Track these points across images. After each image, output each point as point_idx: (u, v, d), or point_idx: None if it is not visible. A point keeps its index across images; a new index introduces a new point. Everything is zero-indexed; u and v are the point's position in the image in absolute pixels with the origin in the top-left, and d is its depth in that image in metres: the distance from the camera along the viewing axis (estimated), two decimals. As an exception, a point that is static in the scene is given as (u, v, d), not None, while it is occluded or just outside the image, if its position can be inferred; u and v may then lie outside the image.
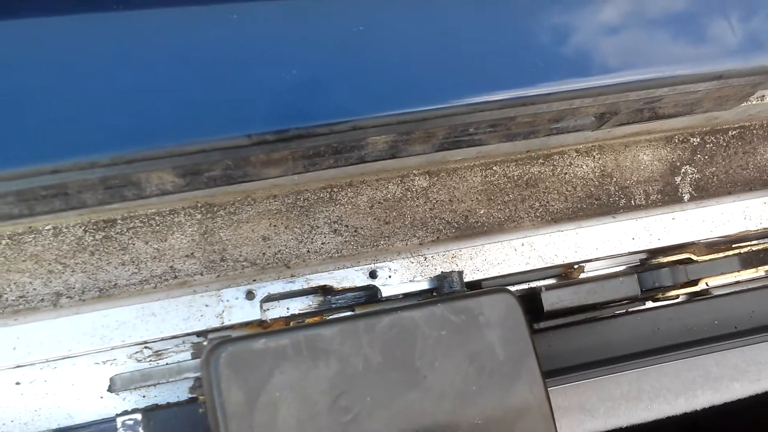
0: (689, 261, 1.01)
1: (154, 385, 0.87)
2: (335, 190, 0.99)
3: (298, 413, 0.64)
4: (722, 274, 1.01)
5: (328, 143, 0.70)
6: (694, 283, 1.00)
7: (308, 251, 0.97)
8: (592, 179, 1.08)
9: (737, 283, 1.05)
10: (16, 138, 0.60)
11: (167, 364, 0.88)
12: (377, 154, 0.80)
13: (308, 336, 0.66)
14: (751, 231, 1.03)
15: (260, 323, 0.87)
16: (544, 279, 1.00)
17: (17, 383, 0.84)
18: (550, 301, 0.91)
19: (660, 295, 1.00)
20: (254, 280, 0.89)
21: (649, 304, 1.01)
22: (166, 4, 0.63)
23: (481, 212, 1.04)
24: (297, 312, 0.92)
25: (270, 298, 0.89)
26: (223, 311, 0.86)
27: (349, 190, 1.00)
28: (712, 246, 1.03)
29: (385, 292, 0.91)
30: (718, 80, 0.77)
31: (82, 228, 0.91)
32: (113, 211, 0.91)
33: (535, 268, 0.96)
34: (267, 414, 0.63)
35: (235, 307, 0.87)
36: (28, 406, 0.84)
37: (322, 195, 0.99)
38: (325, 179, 0.98)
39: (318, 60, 0.66)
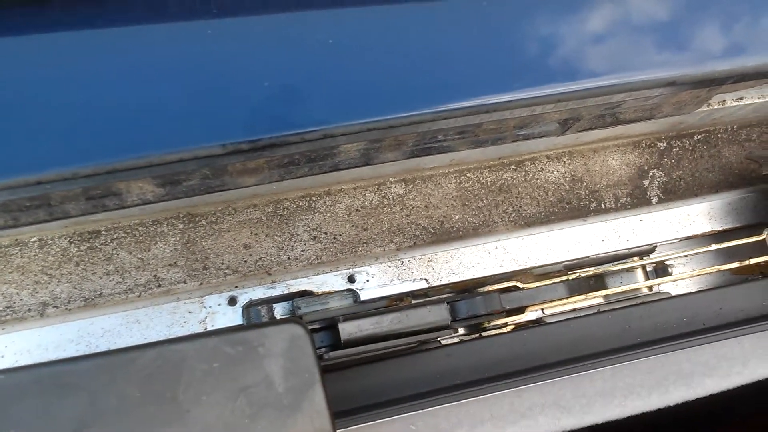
0: (515, 288, 1.01)
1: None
2: (314, 198, 1.02)
3: None
4: (546, 302, 1.01)
5: (301, 152, 0.73)
6: (520, 311, 1.00)
7: (289, 258, 1.00)
8: (563, 184, 1.12)
9: (574, 310, 1.06)
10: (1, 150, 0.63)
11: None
12: (350, 161, 0.83)
13: (55, 371, 0.63)
14: (588, 257, 1.03)
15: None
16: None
17: (5, 392, 0.86)
18: (348, 330, 0.87)
19: (487, 324, 0.99)
20: (236, 287, 0.92)
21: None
22: (144, 19, 0.67)
23: (456, 218, 1.07)
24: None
25: (252, 304, 0.92)
26: (206, 317, 0.89)
27: (327, 198, 1.03)
28: (546, 273, 1.03)
29: (363, 295, 0.94)
30: (671, 86, 0.81)
31: (68, 239, 0.93)
32: (97, 223, 0.94)
33: (507, 271, 0.99)
34: None
35: (218, 313, 0.90)
36: (16, 413, 0.86)
37: (301, 203, 1.02)
38: (303, 188, 1.01)
39: (288, 72, 0.69)
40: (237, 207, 1.00)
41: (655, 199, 1.15)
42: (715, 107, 1.06)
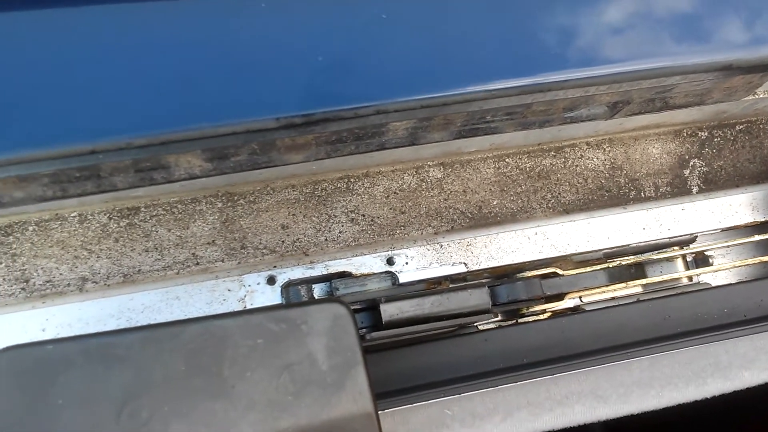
0: (554, 275, 0.99)
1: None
2: (352, 180, 1.02)
3: (82, 421, 0.61)
4: (586, 289, 1.00)
5: (350, 128, 0.72)
6: (560, 297, 0.99)
7: (326, 239, 0.99)
8: (602, 171, 1.10)
9: (613, 299, 1.05)
10: (57, 119, 0.62)
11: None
12: (397, 140, 0.82)
13: (101, 343, 0.63)
14: (628, 245, 1.01)
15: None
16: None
17: (45, 365, 0.86)
18: (389, 312, 0.86)
19: (525, 310, 0.98)
20: (274, 266, 0.91)
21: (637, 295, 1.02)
22: (197, -8, 0.66)
23: (494, 203, 1.06)
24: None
25: (290, 284, 0.91)
26: (245, 296, 0.89)
27: (365, 180, 1.02)
28: (586, 261, 1.02)
29: (403, 278, 0.93)
30: (727, 70, 0.79)
31: (107, 215, 0.93)
32: (137, 199, 0.93)
33: (545, 257, 0.98)
34: (46, 421, 0.60)
35: (256, 292, 0.89)
36: (55, 387, 0.86)
37: (339, 185, 1.01)
38: (342, 169, 1.00)
39: (343, 47, 0.68)
40: (275, 187, 0.99)
41: (695, 189, 1.13)
42: (760, 96, 1.04)
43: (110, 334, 0.65)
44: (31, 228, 0.91)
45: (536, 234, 0.99)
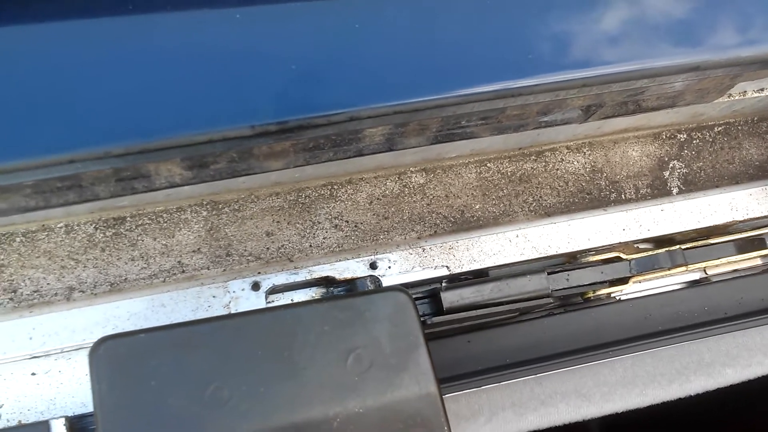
0: (618, 259, 1.01)
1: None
2: (335, 187, 1.03)
3: (173, 401, 0.67)
4: (652, 270, 1.01)
5: (326, 134, 0.74)
6: (624, 281, 1.01)
7: (310, 245, 1.00)
8: (583, 175, 1.12)
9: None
10: (35, 130, 0.64)
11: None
12: (374, 147, 0.84)
13: (187, 332, 0.71)
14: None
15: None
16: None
17: (33, 374, 0.87)
18: (450, 299, 0.91)
19: (591, 294, 1.01)
20: (259, 273, 0.93)
21: (637, 291, 1.04)
22: (170, 4, 0.68)
23: (477, 207, 1.07)
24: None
25: (275, 290, 0.92)
26: (230, 302, 0.90)
27: (348, 187, 1.04)
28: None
29: (385, 282, 0.94)
30: (696, 71, 0.81)
31: (93, 225, 0.95)
32: (123, 209, 0.95)
33: (529, 258, 0.99)
34: (141, 402, 0.67)
35: (241, 298, 0.90)
36: (44, 395, 0.87)
37: (322, 192, 1.03)
38: (325, 177, 1.02)
39: (315, 55, 0.70)
40: (259, 195, 1.01)
41: (675, 190, 1.14)
42: (736, 98, 1.06)
43: (195, 323, 0.72)
44: (18, 239, 0.92)
45: (517, 236, 1.01)
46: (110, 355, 0.68)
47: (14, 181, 0.67)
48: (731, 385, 1.07)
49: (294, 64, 0.69)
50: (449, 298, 0.91)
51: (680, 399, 1.04)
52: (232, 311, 0.89)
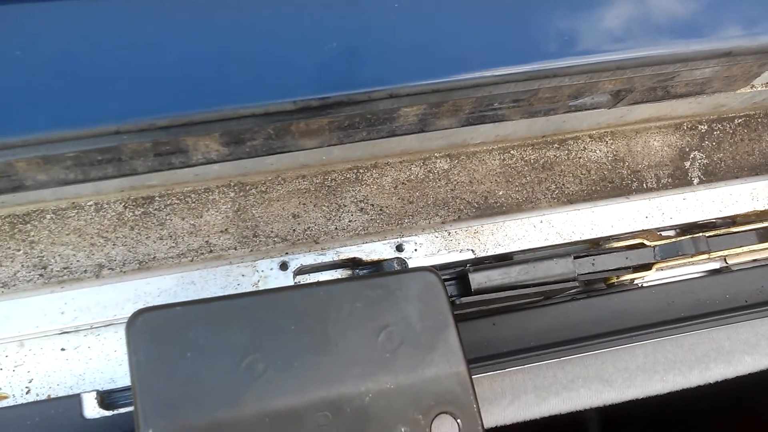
0: (642, 246, 1.02)
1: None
2: (361, 171, 1.04)
3: (209, 372, 0.68)
4: (676, 257, 1.02)
5: (364, 112, 0.75)
6: (648, 267, 1.01)
7: (336, 228, 1.01)
8: (605, 163, 1.13)
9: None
10: (81, 102, 0.65)
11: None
12: (407, 127, 0.84)
13: (223, 306, 0.72)
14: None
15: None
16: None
17: (62, 349, 0.88)
18: (478, 280, 0.92)
19: (614, 280, 1.01)
20: (286, 254, 0.93)
21: (659, 278, 1.05)
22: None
23: (500, 193, 1.08)
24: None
25: (302, 270, 0.93)
26: (258, 281, 0.91)
27: (374, 171, 1.04)
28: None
29: (412, 264, 0.95)
30: (727, 57, 0.82)
31: (122, 204, 0.95)
32: (152, 189, 0.96)
33: (554, 243, 1.00)
34: (177, 373, 0.68)
35: (270, 278, 0.91)
36: (73, 370, 0.88)
37: (348, 175, 1.03)
38: (351, 160, 1.03)
39: (357, 33, 0.71)
40: (286, 177, 1.01)
41: (696, 181, 1.15)
42: (759, 89, 1.07)
43: (230, 297, 0.73)
44: (48, 216, 0.93)
45: (542, 222, 1.01)
46: (147, 328, 0.69)
47: (58, 152, 0.67)
48: (749, 373, 1.08)
49: (336, 41, 0.70)
50: (477, 279, 0.91)
51: (678, 394, 1.05)
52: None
